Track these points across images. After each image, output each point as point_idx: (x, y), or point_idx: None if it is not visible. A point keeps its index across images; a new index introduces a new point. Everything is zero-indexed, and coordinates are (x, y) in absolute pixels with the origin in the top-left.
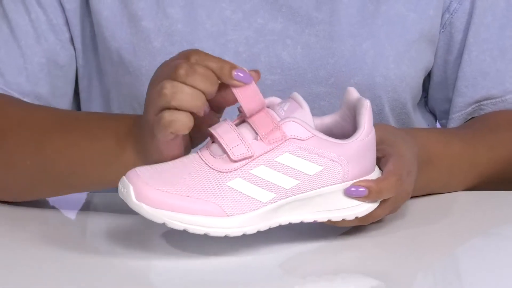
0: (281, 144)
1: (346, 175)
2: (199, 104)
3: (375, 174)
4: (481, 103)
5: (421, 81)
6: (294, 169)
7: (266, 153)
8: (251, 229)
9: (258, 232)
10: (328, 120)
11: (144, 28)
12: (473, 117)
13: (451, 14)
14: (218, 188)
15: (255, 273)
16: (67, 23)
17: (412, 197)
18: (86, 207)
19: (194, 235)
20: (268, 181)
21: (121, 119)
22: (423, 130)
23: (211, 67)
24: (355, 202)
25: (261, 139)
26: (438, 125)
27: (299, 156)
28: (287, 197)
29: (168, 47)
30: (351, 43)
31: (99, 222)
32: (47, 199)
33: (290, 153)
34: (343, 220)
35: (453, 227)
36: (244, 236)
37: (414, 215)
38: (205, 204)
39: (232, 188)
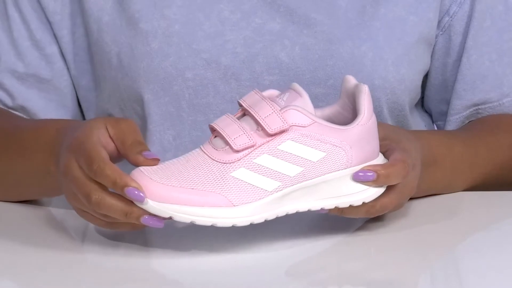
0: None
1: (350, 161)
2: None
3: (380, 159)
4: (479, 107)
5: (419, 83)
6: (298, 156)
7: (268, 141)
8: (258, 218)
9: (261, 232)
10: (328, 111)
11: (142, 30)
12: (471, 121)
13: (451, 17)
14: (223, 179)
15: (257, 275)
16: (54, 36)
17: (415, 198)
18: None
19: (196, 235)
20: (272, 169)
21: (48, 129)
22: (425, 132)
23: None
24: (361, 187)
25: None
26: (434, 126)
27: (301, 143)
28: (292, 185)
29: (166, 49)
30: (350, 45)
31: None
32: (47, 198)
33: (292, 140)
34: (350, 206)
35: (455, 227)
36: (247, 236)
37: (416, 215)
38: (211, 196)
39: (237, 178)
